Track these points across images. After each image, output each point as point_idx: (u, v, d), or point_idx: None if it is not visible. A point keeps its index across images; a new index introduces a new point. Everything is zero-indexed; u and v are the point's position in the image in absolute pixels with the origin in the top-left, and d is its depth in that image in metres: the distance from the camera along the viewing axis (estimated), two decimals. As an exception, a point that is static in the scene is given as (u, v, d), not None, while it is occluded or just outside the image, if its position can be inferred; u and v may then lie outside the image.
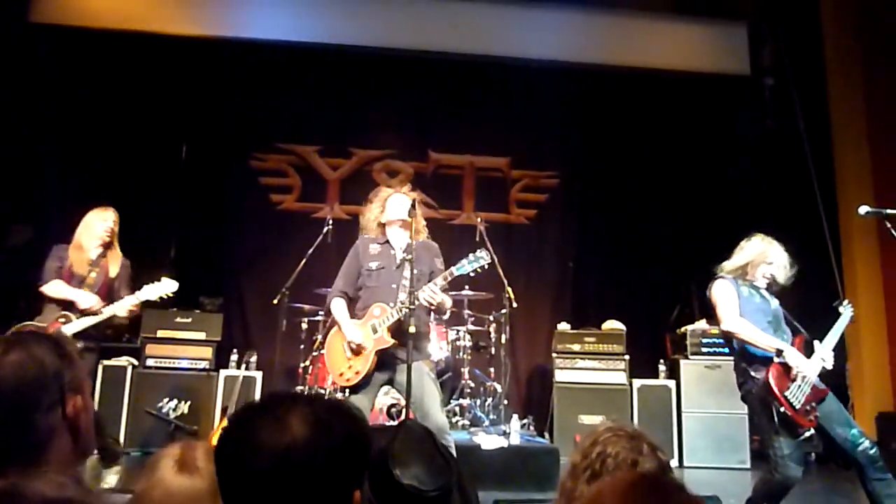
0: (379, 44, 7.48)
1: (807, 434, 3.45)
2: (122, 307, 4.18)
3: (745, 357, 3.66)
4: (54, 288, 4.22)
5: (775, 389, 3.45)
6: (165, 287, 4.32)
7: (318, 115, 7.79)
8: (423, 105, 7.87)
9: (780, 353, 3.52)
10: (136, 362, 6.19)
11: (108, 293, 4.30)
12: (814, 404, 3.49)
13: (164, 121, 7.34)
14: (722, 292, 3.76)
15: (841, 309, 3.91)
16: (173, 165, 7.44)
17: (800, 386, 3.48)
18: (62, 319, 4.11)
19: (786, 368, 3.51)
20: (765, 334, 3.61)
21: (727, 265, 3.87)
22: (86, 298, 4.15)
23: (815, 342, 3.74)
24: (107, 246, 4.42)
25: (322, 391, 5.86)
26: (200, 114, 7.51)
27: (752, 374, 3.60)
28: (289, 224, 7.58)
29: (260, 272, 7.28)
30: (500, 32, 7.57)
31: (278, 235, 7.47)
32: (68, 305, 4.17)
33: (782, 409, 3.43)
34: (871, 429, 6.10)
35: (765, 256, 3.79)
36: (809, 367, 3.54)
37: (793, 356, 3.52)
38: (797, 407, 3.44)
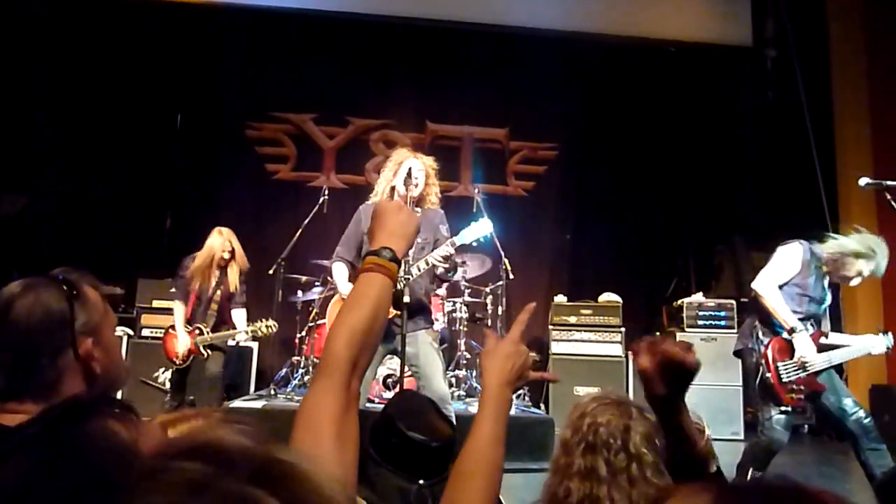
0: (377, 11, 7.34)
1: (787, 408, 3.46)
2: (235, 336, 5.14)
3: (763, 318, 3.62)
4: (176, 310, 5.17)
5: (769, 356, 3.48)
6: (271, 327, 5.08)
7: (313, 84, 7.70)
8: (420, 74, 7.78)
9: (791, 332, 3.50)
10: (131, 332, 6.20)
11: (230, 304, 5.16)
12: (803, 388, 3.49)
13: (159, 90, 7.26)
14: (785, 256, 3.67)
15: (881, 336, 3.73)
16: (168, 135, 7.37)
17: (796, 367, 3.48)
18: (196, 331, 5.04)
19: (790, 346, 3.51)
20: (786, 308, 3.55)
21: (831, 242, 3.64)
22: (182, 342, 5.06)
23: (834, 335, 3.68)
24: (227, 264, 5.16)
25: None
26: (195, 83, 7.43)
27: (760, 335, 3.58)
28: (284, 194, 7.54)
29: (256, 242, 7.24)
30: (499, 1, 7.44)
31: (274, 205, 7.44)
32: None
33: (768, 376, 3.45)
34: (864, 401, 6.14)
35: (863, 262, 3.54)
36: (814, 358, 3.49)
37: (801, 341, 3.49)
38: (784, 380, 3.46)
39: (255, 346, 6.59)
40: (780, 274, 3.62)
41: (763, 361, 3.49)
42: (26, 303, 1.27)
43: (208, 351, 5.04)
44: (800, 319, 3.57)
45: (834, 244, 3.65)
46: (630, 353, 6.44)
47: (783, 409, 3.48)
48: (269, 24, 7.40)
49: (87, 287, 1.38)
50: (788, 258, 3.66)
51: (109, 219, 6.90)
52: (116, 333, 5.81)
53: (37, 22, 6.82)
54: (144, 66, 7.13)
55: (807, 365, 3.47)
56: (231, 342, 5.28)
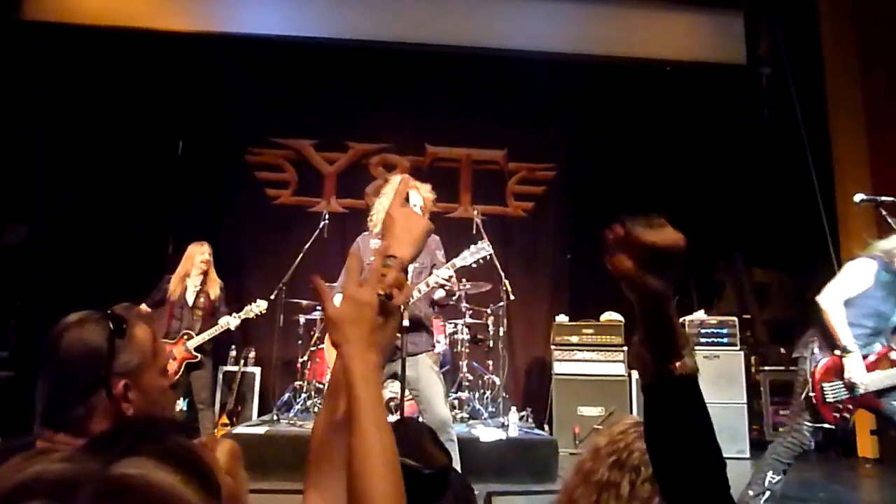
0: (375, 37, 7.43)
1: (825, 425, 3.46)
2: (231, 323, 5.23)
3: (823, 332, 3.55)
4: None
5: (817, 375, 3.46)
6: (260, 306, 5.37)
7: (313, 110, 7.76)
8: (419, 98, 7.85)
9: (844, 350, 3.44)
10: (133, 359, 6.19)
11: (213, 312, 5.31)
12: (851, 407, 3.45)
13: (160, 117, 7.32)
14: (854, 271, 3.58)
15: None
16: (169, 161, 7.42)
17: (844, 387, 3.44)
18: (185, 336, 5.15)
19: (841, 366, 3.46)
20: (845, 327, 3.45)
21: (882, 244, 3.62)
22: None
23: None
24: (205, 273, 5.36)
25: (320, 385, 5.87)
26: (196, 109, 7.50)
27: (815, 350, 3.53)
28: (285, 219, 7.57)
29: (257, 267, 7.28)
30: (495, 24, 7.53)
31: (275, 230, 7.47)
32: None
33: (812, 395, 3.44)
34: (870, 419, 6.11)
35: None
36: (866, 379, 3.43)
37: (852, 362, 3.43)
38: (827, 400, 3.44)
39: (257, 371, 6.59)
40: (847, 289, 3.53)
41: (810, 380, 3.47)
42: (71, 337, 1.27)
43: (198, 354, 5.12)
44: (869, 335, 3.50)
45: (886, 242, 3.59)
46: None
47: (818, 424, 3.48)
48: (270, 51, 7.48)
49: (139, 326, 1.35)
50: (858, 273, 3.56)
51: (111, 246, 6.91)
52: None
53: (37, 51, 6.90)
54: (146, 93, 7.19)
55: (855, 387, 3.40)
56: (234, 358, 5.53)
